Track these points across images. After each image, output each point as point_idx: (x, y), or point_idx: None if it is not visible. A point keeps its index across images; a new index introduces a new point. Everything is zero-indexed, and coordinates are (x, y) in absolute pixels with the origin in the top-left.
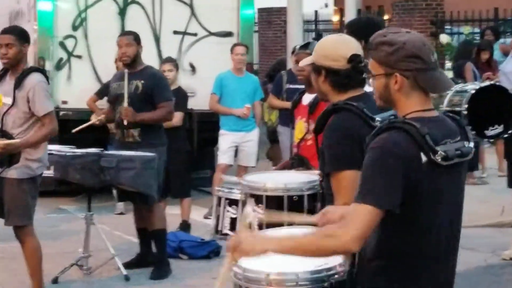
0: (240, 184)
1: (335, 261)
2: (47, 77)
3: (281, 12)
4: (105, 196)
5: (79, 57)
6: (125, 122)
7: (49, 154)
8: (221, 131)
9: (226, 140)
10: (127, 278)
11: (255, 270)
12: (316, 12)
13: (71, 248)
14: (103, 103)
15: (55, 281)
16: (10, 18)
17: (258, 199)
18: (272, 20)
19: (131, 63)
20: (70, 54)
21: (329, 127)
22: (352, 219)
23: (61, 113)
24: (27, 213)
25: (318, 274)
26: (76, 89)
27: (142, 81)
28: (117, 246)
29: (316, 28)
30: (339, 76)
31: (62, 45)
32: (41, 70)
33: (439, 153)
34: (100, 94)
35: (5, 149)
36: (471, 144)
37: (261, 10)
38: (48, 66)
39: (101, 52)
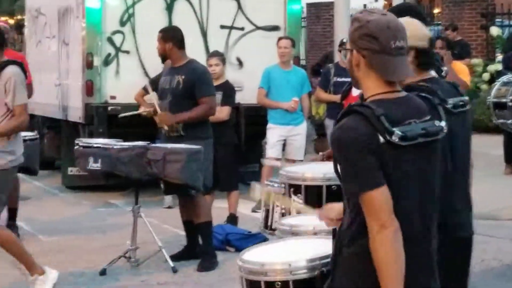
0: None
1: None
2: (24, 70)
3: (329, 7)
4: (153, 190)
5: (127, 52)
6: (166, 127)
7: (96, 147)
8: (269, 125)
9: (274, 134)
10: (174, 270)
11: (252, 261)
12: (364, 6)
13: (119, 240)
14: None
15: (103, 272)
16: (58, 14)
17: (297, 189)
18: (321, 15)
19: (164, 59)
20: (118, 49)
21: None
22: (367, 215)
23: (110, 108)
24: None
25: (312, 262)
26: (124, 84)
27: (183, 76)
28: (164, 239)
29: None
30: (427, 55)
31: (110, 40)
32: (18, 63)
33: (395, 133)
34: (147, 89)
35: None
36: (443, 123)
37: (309, 5)
38: (96, 61)
39: (149, 47)
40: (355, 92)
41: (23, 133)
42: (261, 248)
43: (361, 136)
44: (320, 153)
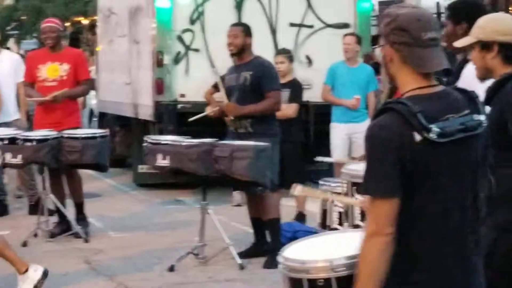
0: (342, 173)
1: None
2: None
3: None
4: (222, 188)
5: (196, 50)
6: (232, 117)
7: (163, 144)
8: (332, 124)
9: (337, 133)
10: (241, 267)
11: (293, 258)
12: (437, 3)
13: (188, 237)
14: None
15: (171, 269)
16: (129, 13)
17: (360, 187)
18: None
19: (237, 53)
20: (187, 47)
21: None
22: (368, 216)
23: (179, 106)
24: None
25: (354, 259)
26: (193, 82)
27: (250, 72)
28: (232, 236)
29: (439, 19)
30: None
31: (180, 39)
32: None
33: (433, 130)
34: (217, 86)
35: None
36: (482, 117)
37: (381, 3)
38: (166, 60)
39: (218, 45)
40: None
41: (94, 130)
42: (301, 244)
43: (393, 136)
44: None
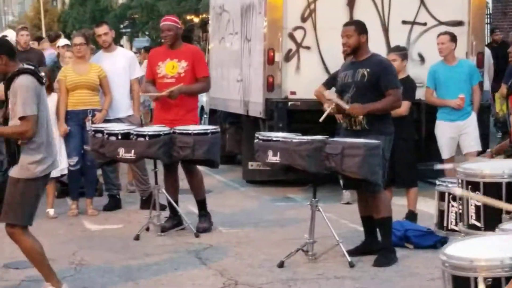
0: (458, 172)
1: None
2: (39, 78)
3: None
4: (332, 186)
5: (307, 48)
6: (360, 117)
7: (274, 140)
8: (438, 122)
9: (443, 132)
10: (351, 265)
11: (460, 256)
12: None
13: (297, 234)
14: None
15: (281, 265)
16: (241, 11)
17: (475, 186)
18: (508, 11)
19: (352, 53)
20: (299, 45)
21: None
22: None
23: (290, 103)
24: (19, 213)
25: None
26: (304, 80)
27: (368, 69)
28: (342, 233)
29: None
30: None
31: (291, 36)
32: (31, 71)
33: None
34: (328, 84)
35: None
36: None
37: (495, 1)
38: (278, 57)
39: (329, 43)
40: None
41: (205, 126)
42: (464, 243)
43: None
44: (488, 150)
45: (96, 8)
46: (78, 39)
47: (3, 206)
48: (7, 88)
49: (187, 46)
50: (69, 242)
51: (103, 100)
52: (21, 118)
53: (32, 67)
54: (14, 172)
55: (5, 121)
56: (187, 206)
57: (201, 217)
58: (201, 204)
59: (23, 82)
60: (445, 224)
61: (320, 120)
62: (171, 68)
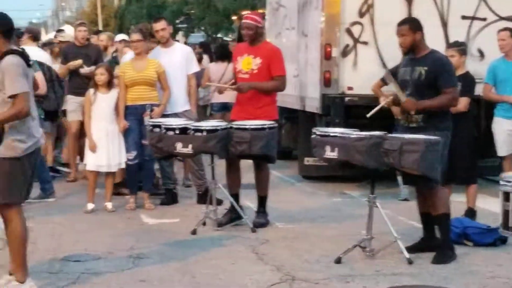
0: None
1: None
2: (27, 60)
3: None
4: (389, 182)
5: (365, 43)
6: (412, 113)
7: (332, 136)
8: (495, 118)
9: (501, 129)
10: (409, 262)
11: None
12: None
13: (354, 230)
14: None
15: (338, 261)
16: (298, 6)
17: None
18: None
19: (409, 51)
20: (356, 40)
21: None
22: None
23: (347, 99)
24: (8, 192)
25: None
26: (361, 75)
27: (425, 67)
28: (400, 230)
29: None
30: None
31: (349, 31)
32: (18, 51)
33: None
34: (385, 80)
35: None
36: None
37: None
38: (335, 52)
39: (387, 39)
40: None
41: (263, 121)
42: None
43: None
44: None
45: (153, 3)
46: (135, 36)
47: None
48: None
49: (266, 44)
50: (127, 235)
51: (161, 94)
52: (12, 97)
53: (21, 50)
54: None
55: None
56: (244, 201)
57: (259, 213)
58: (262, 200)
59: (11, 61)
60: (510, 225)
61: (368, 115)
62: (247, 63)
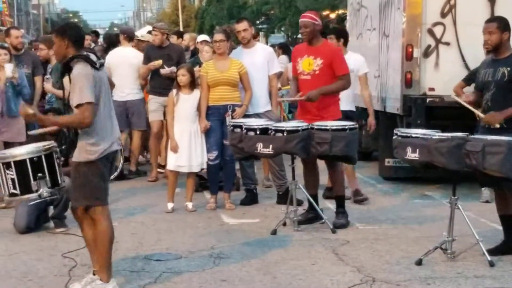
0: None
1: None
2: (94, 65)
3: None
4: (470, 184)
5: (447, 44)
6: (497, 126)
7: (414, 137)
8: None
9: None
10: (491, 264)
11: None
12: None
13: (435, 232)
14: (468, 90)
15: (419, 263)
16: (380, 6)
17: None
18: None
19: (493, 50)
20: (438, 41)
21: None
22: None
23: (428, 100)
24: (91, 194)
25: None
26: (443, 76)
27: (509, 68)
28: (481, 232)
29: None
30: None
31: (431, 32)
32: (86, 57)
33: None
34: (467, 80)
35: (28, 117)
36: None
37: None
38: (416, 53)
39: (470, 39)
40: None
41: (343, 122)
42: None
43: None
44: None
45: (234, 4)
46: (218, 36)
47: (73, 193)
48: (63, 73)
49: (326, 43)
50: (208, 235)
51: (243, 94)
52: (77, 106)
53: (85, 53)
54: (75, 156)
55: (65, 106)
56: (324, 202)
57: (338, 213)
58: (340, 200)
59: (81, 70)
60: None
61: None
62: (307, 65)
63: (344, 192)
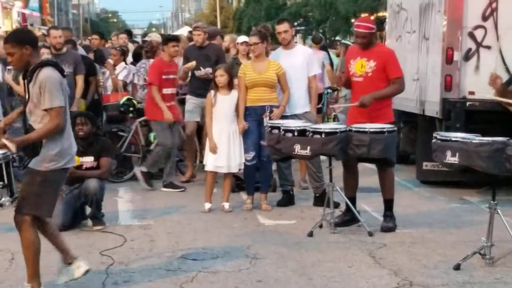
0: None
1: None
2: (61, 70)
3: None
4: (509, 189)
5: (487, 47)
6: None
7: (453, 141)
8: None
9: None
10: None
11: None
12: None
13: (474, 237)
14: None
15: (457, 267)
16: (420, 9)
17: None
18: None
19: None
20: (479, 44)
21: None
22: None
23: (468, 103)
24: (38, 204)
25: None
26: (483, 80)
27: None
28: None
29: None
30: None
31: (471, 35)
32: (52, 63)
33: None
34: (508, 84)
35: (6, 143)
36: None
37: None
38: (456, 56)
39: (511, 43)
40: None
41: (382, 125)
42: None
43: None
44: None
45: (272, 5)
46: (252, 39)
47: (19, 197)
48: (29, 80)
49: (380, 46)
50: (244, 235)
51: (281, 96)
52: (48, 110)
53: (54, 61)
54: (34, 163)
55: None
56: (360, 204)
57: (386, 217)
58: (388, 204)
59: (48, 74)
60: None
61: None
62: (360, 66)
63: (393, 196)
